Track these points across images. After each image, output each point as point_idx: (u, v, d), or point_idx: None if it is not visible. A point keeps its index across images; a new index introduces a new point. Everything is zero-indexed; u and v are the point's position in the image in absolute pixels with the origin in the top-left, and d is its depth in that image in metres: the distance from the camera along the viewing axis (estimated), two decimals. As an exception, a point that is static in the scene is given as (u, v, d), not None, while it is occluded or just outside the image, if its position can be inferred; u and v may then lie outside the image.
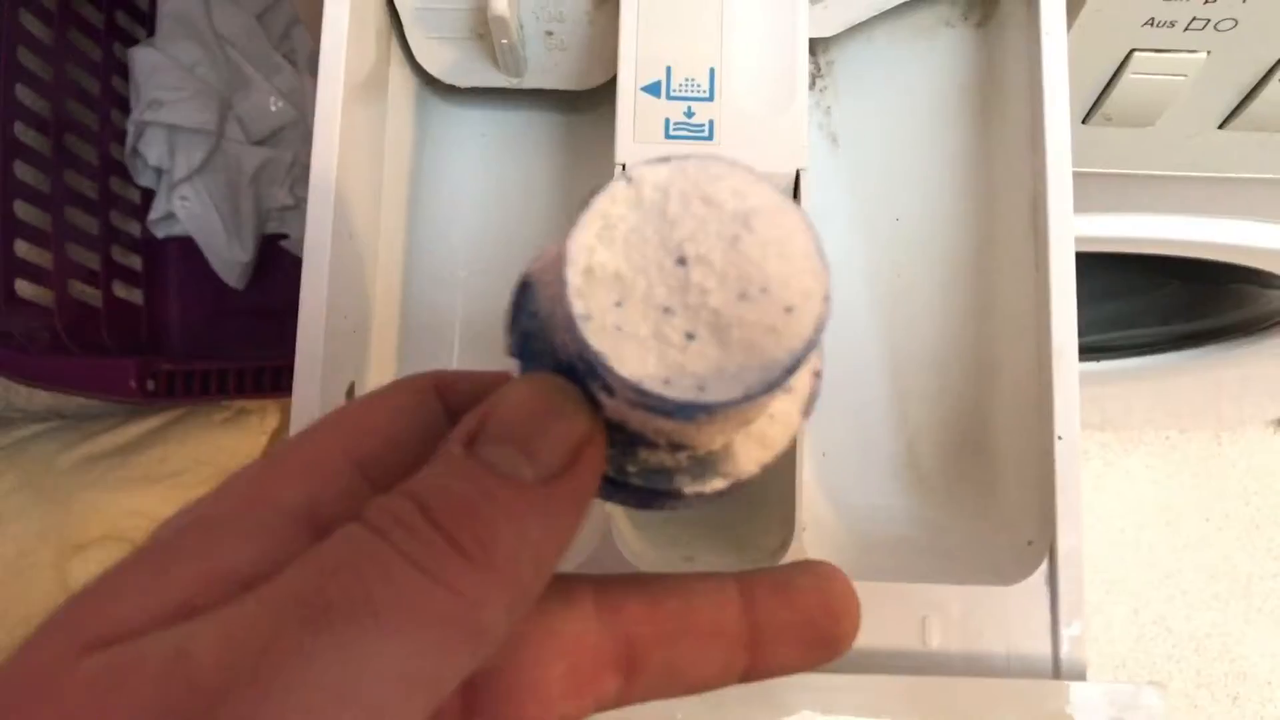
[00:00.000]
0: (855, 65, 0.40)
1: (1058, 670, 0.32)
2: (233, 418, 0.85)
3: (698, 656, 0.20)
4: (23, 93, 0.73)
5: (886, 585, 0.32)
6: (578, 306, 0.16)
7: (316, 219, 0.34)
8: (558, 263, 0.16)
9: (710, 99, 0.34)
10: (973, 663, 0.32)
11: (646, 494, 0.19)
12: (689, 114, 0.34)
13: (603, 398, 0.17)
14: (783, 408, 0.19)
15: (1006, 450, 0.36)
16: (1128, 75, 0.38)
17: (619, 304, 0.16)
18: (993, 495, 0.36)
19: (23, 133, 0.72)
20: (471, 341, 0.42)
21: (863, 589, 0.32)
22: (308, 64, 0.83)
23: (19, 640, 0.16)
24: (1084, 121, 0.42)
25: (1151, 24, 0.37)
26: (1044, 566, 0.32)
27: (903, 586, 0.32)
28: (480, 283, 0.42)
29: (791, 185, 0.34)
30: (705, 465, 0.19)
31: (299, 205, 0.86)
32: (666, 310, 0.16)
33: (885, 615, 0.32)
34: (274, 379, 0.77)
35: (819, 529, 0.34)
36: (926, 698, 0.30)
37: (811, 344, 0.16)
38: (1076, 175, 0.35)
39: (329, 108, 0.34)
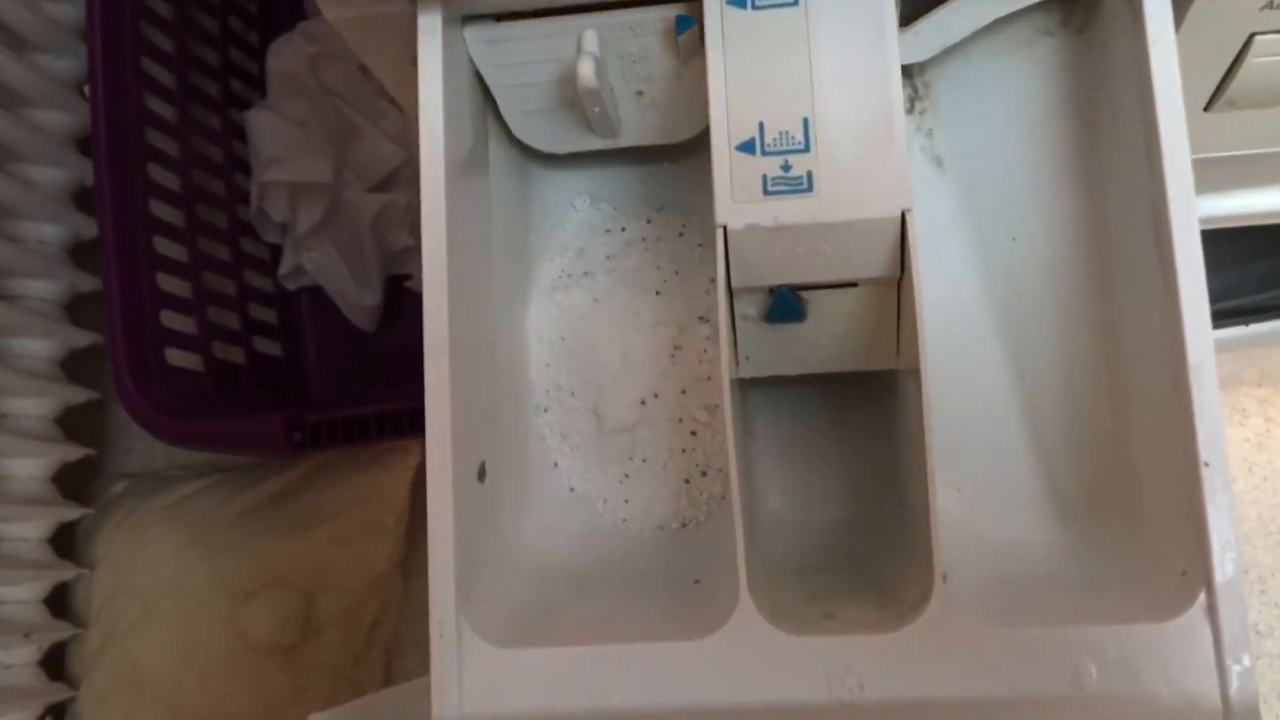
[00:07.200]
0: (954, 84, 0.39)
1: (1228, 709, 0.30)
2: (378, 457, 0.88)
3: None
4: (156, 171, 0.76)
5: (1036, 630, 0.32)
6: None
7: (433, 309, 0.35)
8: None
9: (806, 150, 0.33)
10: (1135, 706, 0.31)
11: None
12: (786, 168, 0.33)
13: None
14: None
15: (1149, 475, 0.34)
16: (1250, 60, 0.36)
17: None
18: (1139, 523, 0.34)
19: (159, 209, 0.76)
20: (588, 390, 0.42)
21: (1012, 635, 0.32)
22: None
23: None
24: (1206, 109, 0.39)
25: (1271, 5, 0.35)
26: (1202, 598, 0.31)
27: (1054, 630, 0.31)
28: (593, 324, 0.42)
29: (898, 228, 0.33)
30: None
31: (419, 244, 0.87)
32: None
33: (1037, 661, 0.31)
34: (413, 419, 0.80)
35: (961, 571, 0.33)
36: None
37: None
38: (1202, 162, 0.33)
39: (434, 194, 0.36)
